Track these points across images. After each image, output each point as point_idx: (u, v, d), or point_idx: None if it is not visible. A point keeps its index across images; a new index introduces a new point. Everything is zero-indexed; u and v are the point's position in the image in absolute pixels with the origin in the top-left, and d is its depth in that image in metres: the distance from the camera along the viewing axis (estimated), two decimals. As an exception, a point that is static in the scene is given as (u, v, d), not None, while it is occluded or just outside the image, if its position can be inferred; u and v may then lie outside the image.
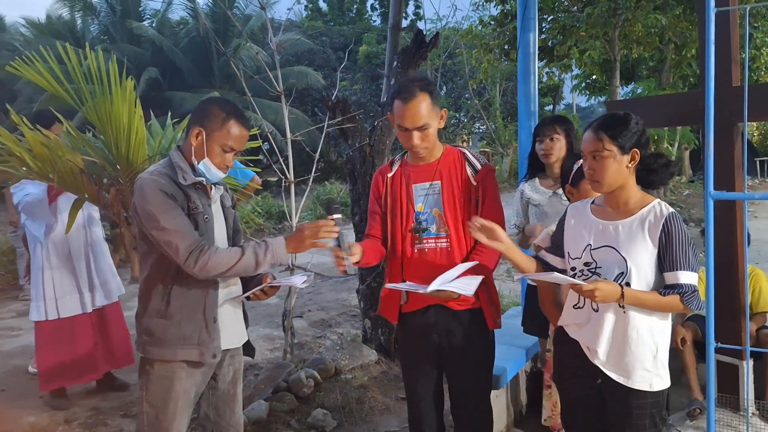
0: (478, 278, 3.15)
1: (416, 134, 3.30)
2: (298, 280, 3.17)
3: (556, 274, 2.81)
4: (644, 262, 2.87)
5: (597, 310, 2.96)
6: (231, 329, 3.27)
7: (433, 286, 3.04)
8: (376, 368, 6.08)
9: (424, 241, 3.44)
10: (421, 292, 3.11)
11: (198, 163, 3.06)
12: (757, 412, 4.47)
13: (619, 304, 2.87)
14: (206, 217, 3.08)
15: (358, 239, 6.26)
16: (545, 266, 3.23)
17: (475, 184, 3.43)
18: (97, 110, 4.60)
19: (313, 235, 3.01)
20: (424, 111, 3.27)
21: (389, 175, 3.58)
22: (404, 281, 3.45)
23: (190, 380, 3.10)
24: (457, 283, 3.07)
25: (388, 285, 3.35)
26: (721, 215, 4.11)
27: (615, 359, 2.94)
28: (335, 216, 3.09)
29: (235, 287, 3.31)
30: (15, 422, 5.34)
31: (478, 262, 3.28)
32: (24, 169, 4.67)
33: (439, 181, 3.44)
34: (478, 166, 3.45)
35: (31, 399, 5.82)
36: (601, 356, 2.96)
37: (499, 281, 9.96)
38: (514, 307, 6.66)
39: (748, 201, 3.85)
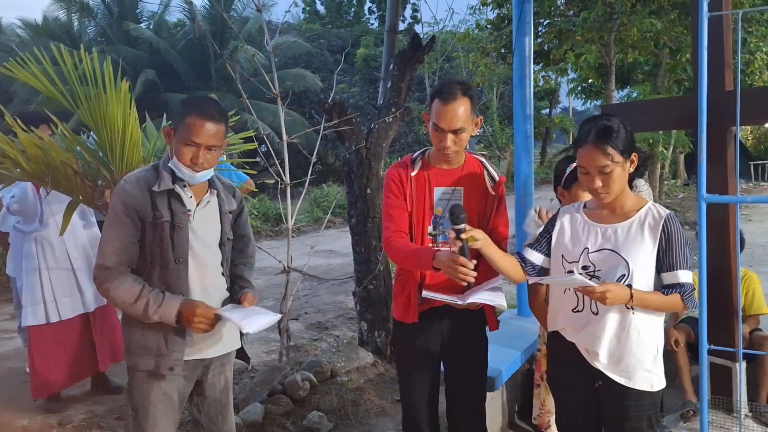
0: (501, 292, 3.20)
1: (450, 136, 3.27)
2: (241, 323, 2.94)
3: (577, 276, 2.78)
4: (645, 263, 2.90)
5: (597, 313, 2.97)
6: (218, 336, 3.20)
7: (468, 299, 3.12)
8: (372, 370, 6.08)
9: (440, 245, 3.43)
10: (459, 303, 3.16)
11: (168, 163, 3.04)
12: (750, 414, 4.49)
13: (627, 306, 2.89)
14: (178, 225, 3.02)
15: (355, 241, 6.28)
16: (525, 264, 3.22)
17: (492, 194, 3.46)
18: (91, 112, 4.60)
19: (195, 326, 2.94)
20: (462, 114, 3.25)
21: (412, 174, 3.50)
22: (420, 286, 3.47)
23: (170, 384, 3.09)
24: (486, 295, 3.13)
25: (426, 294, 3.28)
26: (715, 218, 4.13)
27: (616, 360, 2.96)
28: (460, 226, 2.91)
29: (216, 291, 3.23)
30: (8, 426, 5.32)
31: (500, 276, 3.28)
32: (18, 170, 4.67)
33: (462, 188, 3.44)
34: (496, 177, 3.47)
35: (24, 402, 5.81)
36: (602, 359, 2.97)
37: (494, 284, 9.95)
38: (510, 309, 6.67)
39: (742, 204, 3.86)
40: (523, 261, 3.20)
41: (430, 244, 3.43)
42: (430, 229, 3.46)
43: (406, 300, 3.54)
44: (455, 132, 3.27)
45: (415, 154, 3.58)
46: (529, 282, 3.07)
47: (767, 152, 36.06)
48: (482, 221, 3.44)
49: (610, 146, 2.84)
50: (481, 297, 3.11)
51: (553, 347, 3.30)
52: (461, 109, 3.24)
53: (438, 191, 3.46)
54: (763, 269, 4.96)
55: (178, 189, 3.03)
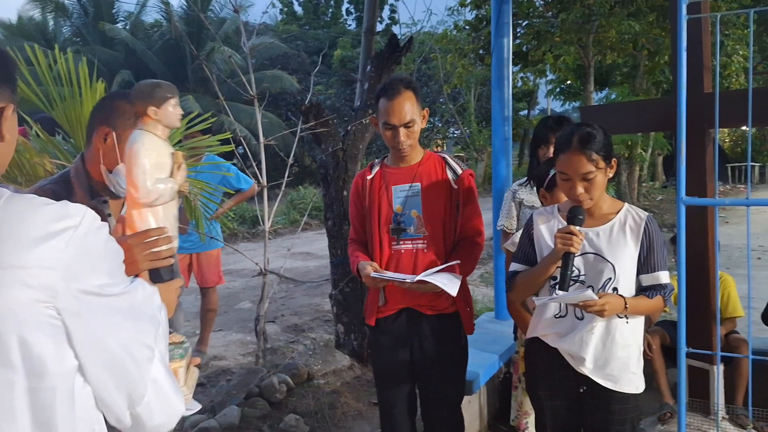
0: (459, 277, 3.22)
1: (403, 131, 3.34)
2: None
3: (587, 291, 2.75)
4: (628, 266, 2.92)
5: (581, 318, 2.96)
6: None
7: (420, 276, 3.12)
8: (349, 373, 6.05)
9: (402, 242, 3.46)
10: (408, 281, 3.16)
11: (111, 172, 2.48)
12: (728, 416, 4.49)
13: (619, 315, 2.90)
14: None
15: (331, 244, 6.25)
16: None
17: (455, 187, 3.45)
18: (66, 113, 4.55)
19: None
20: (410, 107, 3.31)
21: (369, 177, 3.59)
22: (383, 289, 3.51)
23: None
24: (441, 278, 3.13)
25: (374, 274, 3.32)
26: (693, 221, 4.12)
27: (602, 365, 2.96)
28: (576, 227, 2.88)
29: None
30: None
31: (459, 261, 3.32)
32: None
33: (418, 183, 3.46)
34: (459, 171, 3.49)
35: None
36: (588, 363, 2.96)
37: (472, 286, 9.96)
38: (487, 313, 6.66)
39: (719, 207, 3.87)
40: (515, 276, 3.19)
41: (393, 242, 3.48)
42: (391, 226, 3.50)
43: (370, 301, 3.64)
44: (407, 126, 3.34)
45: (376, 160, 3.71)
46: (536, 304, 3.05)
47: (744, 154, 36.37)
48: (445, 214, 3.46)
49: (595, 153, 2.82)
50: (433, 278, 3.13)
51: (532, 354, 3.27)
52: (407, 102, 3.32)
53: (396, 189, 3.51)
54: (740, 271, 4.98)
55: (100, 208, 2.50)
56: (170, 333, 2.06)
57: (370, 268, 3.31)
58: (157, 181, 2.08)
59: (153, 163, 2.08)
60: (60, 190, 2.48)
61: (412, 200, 3.45)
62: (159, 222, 2.14)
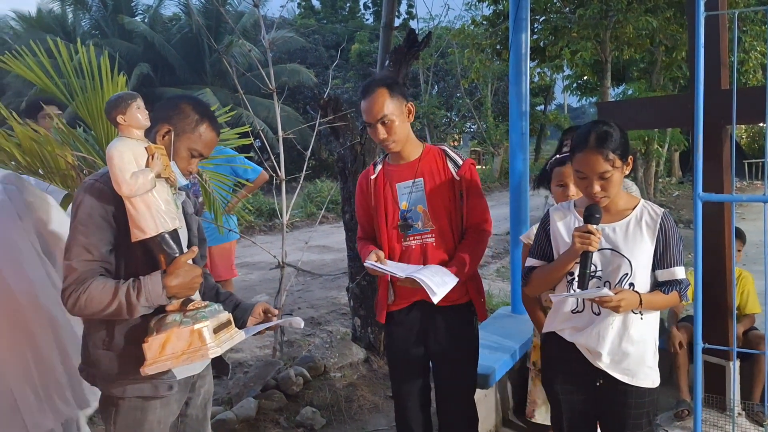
0: (454, 280, 3.25)
1: (379, 127, 3.39)
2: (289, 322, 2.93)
3: (603, 289, 2.77)
4: (645, 261, 2.93)
5: (598, 314, 2.97)
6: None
7: (407, 272, 3.21)
8: (365, 367, 6.08)
9: (410, 238, 3.50)
10: (399, 275, 3.23)
11: None
12: (743, 413, 4.50)
13: (634, 311, 2.92)
14: None
15: (349, 237, 6.28)
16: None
17: (458, 178, 3.49)
18: (87, 105, 4.58)
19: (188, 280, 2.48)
20: (382, 104, 3.37)
21: (372, 177, 3.64)
22: (390, 285, 3.57)
23: (165, 410, 2.69)
24: (433, 278, 3.18)
25: (367, 263, 3.37)
26: (710, 217, 4.13)
27: (619, 359, 2.97)
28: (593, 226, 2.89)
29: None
30: None
31: (456, 277, 3.34)
32: (13, 163, 4.65)
33: (421, 179, 3.50)
34: (460, 162, 3.52)
35: None
36: (605, 358, 2.97)
37: (488, 281, 9.97)
38: (504, 307, 6.67)
39: (736, 203, 3.87)
40: (531, 271, 3.20)
41: (401, 239, 3.53)
42: (399, 223, 3.54)
43: (380, 298, 3.68)
44: (382, 122, 3.39)
45: (378, 159, 3.76)
46: (553, 300, 3.07)
47: (761, 150, 36.12)
48: (451, 207, 3.50)
49: (612, 153, 2.82)
50: (418, 275, 3.16)
51: (548, 348, 3.29)
52: (379, 99, 3.37)
53: (400, 186, 3.55)
54: (756, 268, 4.95)
55: None
56: (194, 300, 2.54)
57: (374, 256, 3.37)
58: (133, 174, 2.37)
59: (127, 160, 2.38)
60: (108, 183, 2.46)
61: (417, 196, 3.50)
62: (152, 207, 2.41)
